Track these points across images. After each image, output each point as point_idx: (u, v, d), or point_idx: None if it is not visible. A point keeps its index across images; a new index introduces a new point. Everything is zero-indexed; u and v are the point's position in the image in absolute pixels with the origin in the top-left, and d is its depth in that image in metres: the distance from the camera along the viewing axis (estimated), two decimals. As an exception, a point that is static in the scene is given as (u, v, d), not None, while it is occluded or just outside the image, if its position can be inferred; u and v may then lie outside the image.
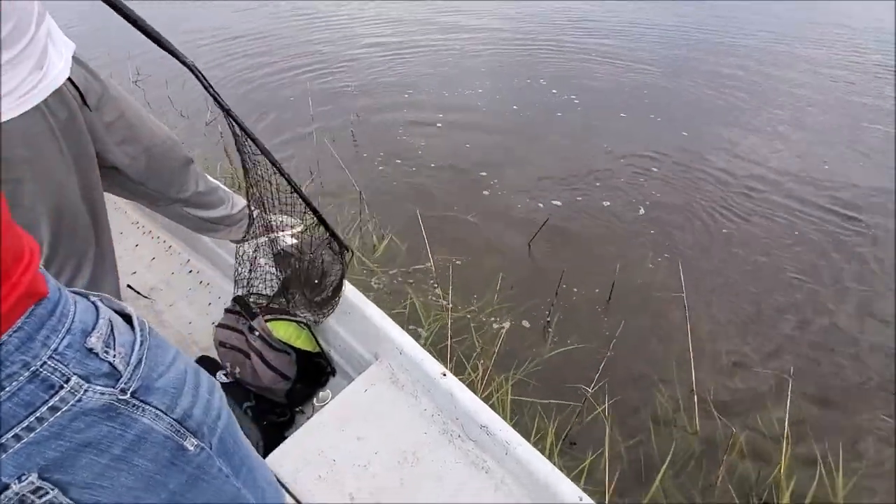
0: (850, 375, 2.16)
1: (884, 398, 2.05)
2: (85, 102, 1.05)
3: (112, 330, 0.51)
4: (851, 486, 1.72)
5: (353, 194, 3.05)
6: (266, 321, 1.51)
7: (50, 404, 0.45)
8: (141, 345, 0.54)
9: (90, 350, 0.48)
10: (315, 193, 3.08)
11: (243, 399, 1.45)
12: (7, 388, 0.43)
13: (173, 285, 2.08)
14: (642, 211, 3.14)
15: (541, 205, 3.13)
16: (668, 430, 1.85)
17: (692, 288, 2.52)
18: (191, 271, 2.13)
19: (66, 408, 0.46)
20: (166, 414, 0.54)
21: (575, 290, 2.47)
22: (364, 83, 4.80)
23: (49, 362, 0.45)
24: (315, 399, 1.52)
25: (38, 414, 0.44)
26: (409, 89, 4.69)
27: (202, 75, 0.99)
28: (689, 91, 4.98)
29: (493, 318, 2.25)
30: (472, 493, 1.14)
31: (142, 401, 0.51)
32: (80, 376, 0.47)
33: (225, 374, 1.51)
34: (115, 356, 0.50)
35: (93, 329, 0.49)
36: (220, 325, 1.56)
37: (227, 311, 1.58)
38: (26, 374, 0.44)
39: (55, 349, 0.45)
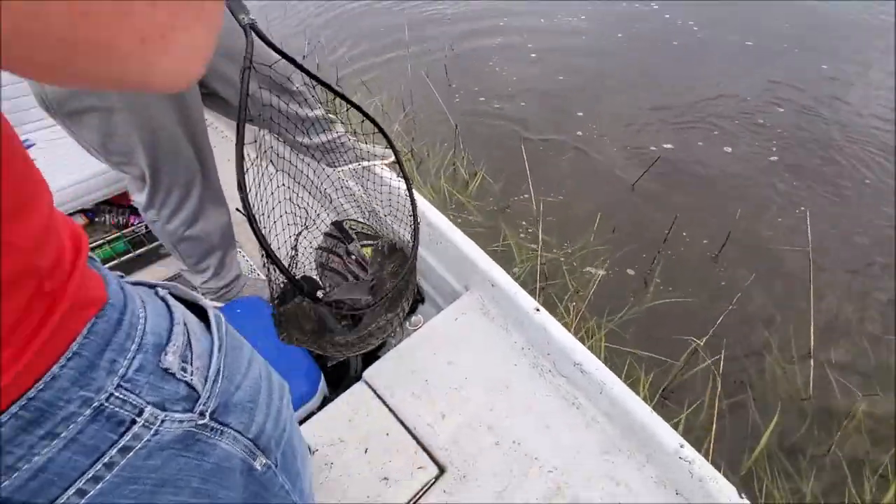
0: None
1: None
2: None
3: (189, 338, 0.42)
4: None
5: (446, 128, 2.98)
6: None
7: (120, 445, 0.35)
8: (219, 350, 0.46)
9: (166, 371, 0.38)
10: (409, 128, 3.07)
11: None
12: (63, 435, 0.32)
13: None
14: (772, 158, 2.75)
15: (653, 147, 2.85)
16: (777, 393, 1.69)
17: (819, 245, 2.20)
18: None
19: (139, 446, 0.36)
20: (243, 435, 0.46)
21: (684, 237, 2.27)
22: (459, 11, 4.56)
23: (116, 394, 0.35)
24: (407, 323, 1.57)
25: (106, 459, 0.35)
26: (505, 16, 4.39)
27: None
28: (841, 12, 4.14)
29: (589, 262, 2.15)
30: (562, 426, 1.13)
31: (221, 423, 0.43)
32: (154, 405, 0.37)
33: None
34: (193, 372, 0.41)
35: (168, 341, 0.40)
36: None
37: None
38: (87, 412, 0.33)
39: (124, 375, 0.35)
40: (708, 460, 0.99)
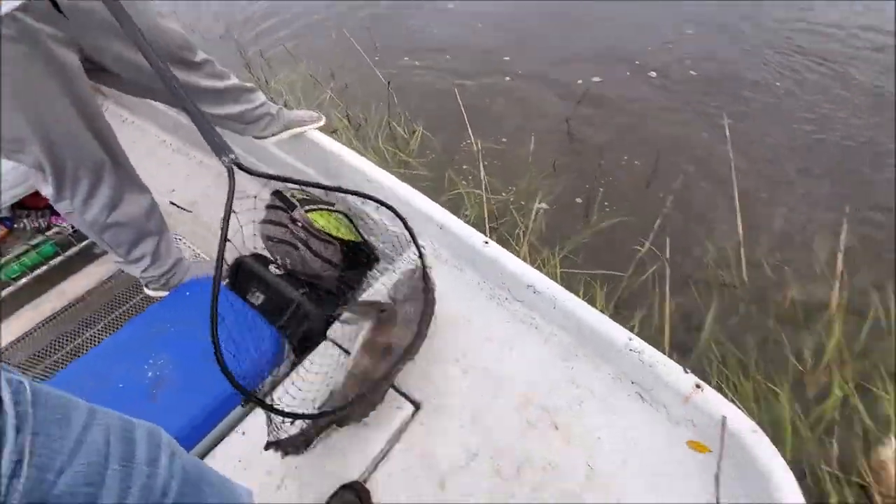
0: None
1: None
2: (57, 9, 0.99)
3: None
4: (907, 327, 1.70)
5: (379, 88, 2.92)
6: (306, 212, 1.54)
7: None
8: (18, 432, 0.34)
9: None
10: (341, 94, 2.98)
11: (298, 287, 1.52)
12: None
13: (212, 197, 2.13)
14: (692, 73, 2.88)
15: (579, 81, 2.91)
16: (718, 287, 1.85)
17: (742, 153, 2.36)
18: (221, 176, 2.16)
19: None
20: None
21: (621, 162, 2.38)
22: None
23: None
24: (365, 282, 1.58)
25: None
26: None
27: None
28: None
29: (535, 198, 2.22)
30: (523, 346, 1.20)
31: None
32: None
33: (276, 267, 1.58)
34: None
35: None
36: (263, 222, 1.60)
37: (268, 206, 1.61)
38: None
39: None
40: (666, 354, 1.07)
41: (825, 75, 2.83)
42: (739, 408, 0.99)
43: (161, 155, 2.30)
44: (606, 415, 1.08)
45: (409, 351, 1.10)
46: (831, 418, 1.54)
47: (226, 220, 0.91)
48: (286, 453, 0.99)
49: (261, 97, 1.55)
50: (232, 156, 1.02)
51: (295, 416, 0.99)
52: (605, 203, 2.20)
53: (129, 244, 1.34)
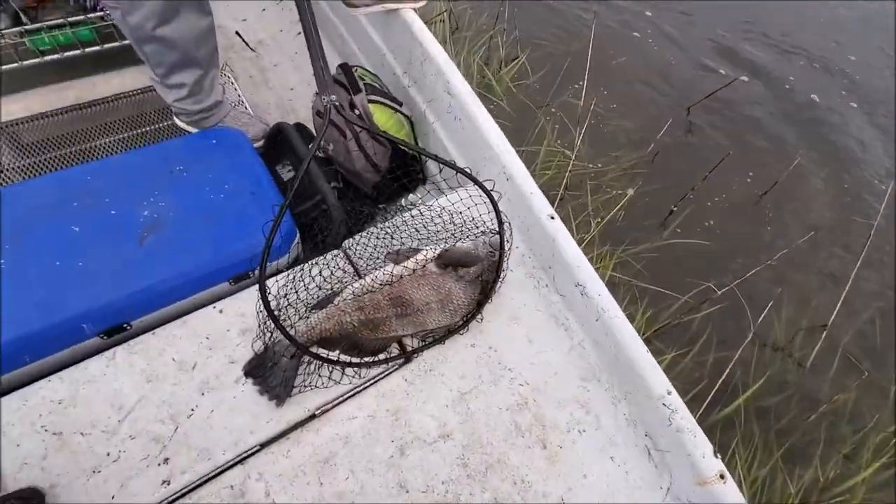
0: None
1: None
2: None
3: None
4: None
5: None
6: (369, 101, 1.34)
7: None
8: None
9: None
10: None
11: (332, 178, 1.37)
12: None
13: (280, 43, 1.93)
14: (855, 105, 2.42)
15: (722, 71, 2.47)
16: (773, 356, 1.63)
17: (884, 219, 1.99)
18: (299, 33, 1.93)
19: None
20: None
21: (727, 178, 2.03)
22: None
23: None
24: (403, 200, 1.41)
25: None
26: None
27: None
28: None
29: (617, 183, 1.94)
30: (545, 344, 1.04)
31: None
32: None
33: (318, 149, 1.41)
34: None
35: None
36: (319, 93, 1.41)
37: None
38: None
39: None
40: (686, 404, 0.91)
41: None
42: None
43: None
44: (604, 456, 0.95)
45: (432, 334, 1.00)
46: None
47: (308, 160, 0.89)
48: (264, 393, 0.90)
49: None
50: (333, 97, 1.07)
51: (325, 361, 0.91)
52: (689, 218, 1.91)
53: (169, 66, 1.16)
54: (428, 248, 1.03)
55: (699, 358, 1.55)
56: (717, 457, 0.87)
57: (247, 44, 1.91)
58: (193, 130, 1.33)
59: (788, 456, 1.47)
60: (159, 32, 1.08)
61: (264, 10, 2.02)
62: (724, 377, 1.49)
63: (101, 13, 1.34)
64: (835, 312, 1.68)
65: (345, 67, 1.39)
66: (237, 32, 1.92)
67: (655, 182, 1.99)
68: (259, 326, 0.93)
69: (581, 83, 2.16)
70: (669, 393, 0.92)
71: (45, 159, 1.31)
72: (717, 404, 1.50)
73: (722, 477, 0.86)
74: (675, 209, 1.92)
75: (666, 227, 1.89)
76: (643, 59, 2.44)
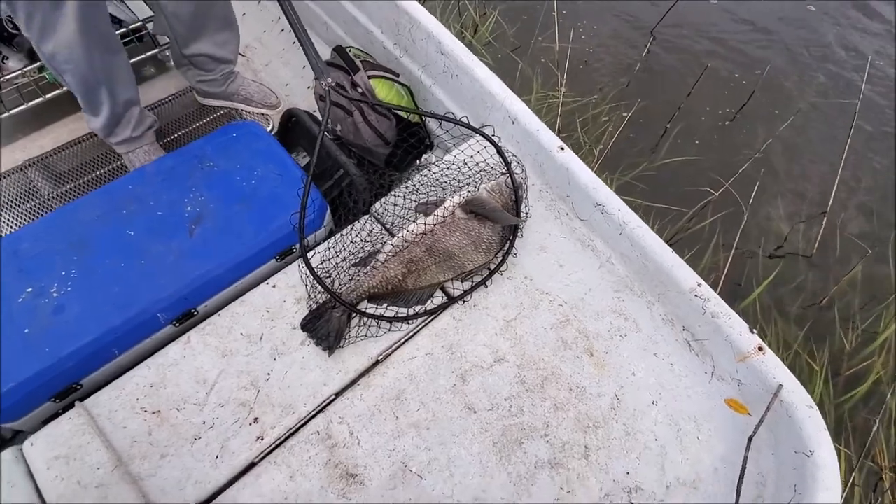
0: None
1: None
2: None
3: None
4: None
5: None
6: (368, 76, 1.39)
7: None
8: None
9: None
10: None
11: (347, 156, 1.43)
12: None
13: (267, 43, 1.98)
14: (810, 8, 2.43)
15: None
16: (780, 248, 1.71)
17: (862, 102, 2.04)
18: (283, 30, 1.99)
19: None
20: None
21: (704, 91, 2.08)
22: None
23: None
24: (418, 161, 1.48)
25: None
26: None
27: None
28: None
29: (607, 117, 2.00)
30: (575, 266, 1.11)
31: None
32: None
33: (326, 131, 1.48)
34: None
35: None
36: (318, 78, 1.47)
37: (327, 63, 1.46)
38: None
39: None
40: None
41: None
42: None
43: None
44: (647, 354, 1.02)
45: (473, 273, 1.07)
46: (858, 402, 1.49)
47: (320, 138, 1.00)
48: (318, 344, 0.98)
49: None
50: (329, 80, 1.14)
51: (363, 314, 1.00)
52: (680, 137, 1.97)
53: (84, 98, 1.22)
54: (452, 196, 1.10)
55: (713, 261, 1.63)
56: (753, 332, 0.94)
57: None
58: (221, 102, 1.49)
59: (809, 337, 1.56)
60: (67, 67, 1.12)
61: (244, 14, 2.06)
62: (734, 273, 1.58)
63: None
64: (831, 198, 1.74)
65: (339, 50, 1.44)
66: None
67: (641, 108, 2.04)
68: (306, 288, 1.01)
69: (554, 29, 2.20)
70: (699, 285, 0.98)
71: (81, 183, 1.39)
72: (736, 299, 1.59)
73: (761, 349, 0.93)
74: (668, 126, 1.97)
75: (659, 148, 1.95)
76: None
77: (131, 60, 1.56)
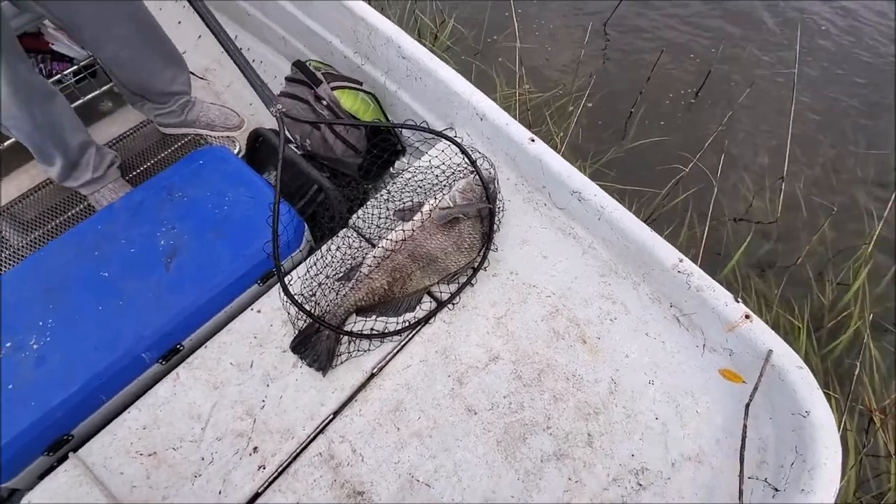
0: None
1: None
2: None
3: None
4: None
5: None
6: (332, 89, 1.38)
7: None
8: None
9: None
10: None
11: (319, 171, 1.41)
12: None
13: (226, 65, 1.94)
14: None
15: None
16: (750, 217, 1.76)
17: (804, 71, 2.11)
18: (241, 49, 1.96)
19: None
20: None
21: (664, 74, 2.12)
22: None
23: None
24: (391, 169, 1.47)
25: None
26: None
27: None
28: None
29: (570, 105, 2.01)
30: (559, 256, 1.12)
31: None
32: None
33: (296, 147, 1.46)
34: None
35: None
36: (282, 94, 1.45)
37: (289, 79, 1.44)
38: None
39: None
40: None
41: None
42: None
43: (171, 12, 2.06)
44: (638, 334, 1.03)
45: (458, 274, 1.07)
46: (842, 352, 1.54)
47: (279, 167, 1.00)
48: (310, 365, 0.97)
49: None
50: (279, 106, 1.13)
51: (349, 335, 0.99)
52: (646, 120, 2.00)
53: (34, 149, 1.22)
54: (428, 200, 1.10)
55: (689, 235, 1.66)
56: (738, 301, 0.96)
57: (193, 73, 1.93)
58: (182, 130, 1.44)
59: (790, 296, 1.61)
60: (9, 124, 1.13)
61: (200, 37, 2.02)
62: (712, 244, 1.62)
63: (58, 75, 1.37)
64: (786, 164, 1.80)
65: (299, 64, 1.42)
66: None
67: (605, 96, 2.07)
68: (289, 316, 1.00)
69: (510, 29, 2.23)
70: (681, 260, 0.99)
71: (49, 229, 1.35)
72: (717, 269, 1.63)
73: (748, 317, 0.94)
74: (632, 111, 2.00)
75: (627, 132, 1.98)
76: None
77: (87, 97, 1.53)
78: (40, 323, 0.95)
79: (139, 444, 0.91)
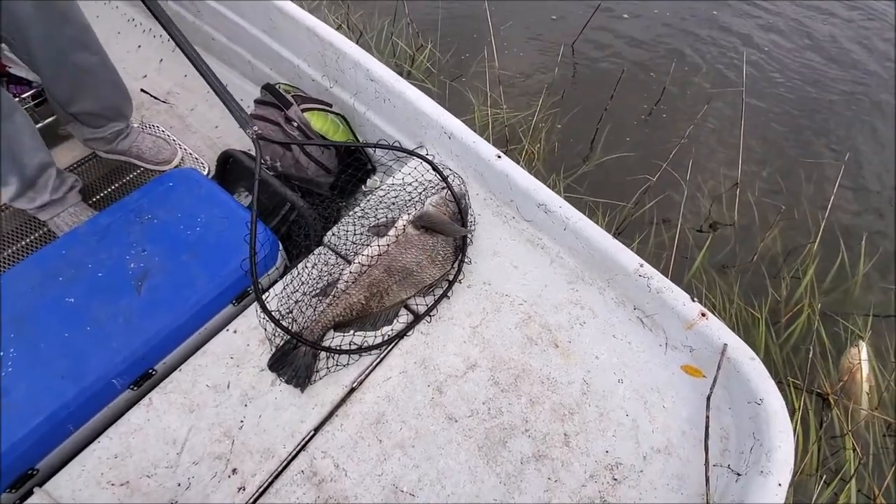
0: None
1: None
2: None
3: None
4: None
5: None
6: (302, 111, 1.40)
7: None
8: None
9: None
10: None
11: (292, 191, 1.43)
12: None
13: (190, 88, 1.94)
14: (714, 13, 2.72)
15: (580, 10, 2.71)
16: (709, 221, 1.90)
17: (752, 84, 2.32)
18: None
19: None
20: None
21: (628, 92, 2.29)
22: None
23: None
24: (363, 186, 1.50)
25: None
26: None
27: None
28: None
29: (541, 123, 2.13)
30: (529, 266, 1.17)
31: None
32: None
33: (267, 168, 1.47)
34: None
35: None
36: (252, 116, 1.46)
37: (259, 102, 1.46)
38: None
39: None
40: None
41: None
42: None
43: (131, 36, 2.04)
44: (606, 337, 1.08)
45: (433, 286, 1.10)
46: (798, 341, 1.67)
47: (255, 188, 1.01)
48: (288, 382, 0.97)
49: None
50: (255, 128, 1.15)
51: (326, 350, 0.99)
52: (611, 137, 2.14)
53: None
54: (402, 215, 1.13)
55: (657, 241, 1.77)
56: (694, 301, 1.03)
57: (156, 98, 1.91)
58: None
59: (749, 292, 1.74)
60: None
61: (162, 60, 2.01)
62: (680, 248, 1.74)
63: (19, 98, 1.34)
64: (739, 171, 1.98)
65: (268, 87, 1.44)
66: (143, 90, 1.92)
67: (574, 115, 2.21)
68: (265, 333, 1.00)
69: (485, 53, 2.34)
70: (642, 265, 1.07)
71: (5, 257, 1.30)
72: (685, 271, 1.75)
73: (703, 315, 1.02)
74: (598, 128, 2.13)
75: (594, 149, 2.11)
76: (529, 18, 2.66)
77: (46, 120, 1.49)
78: (0, 353, 0.91)
79: (110, 474, 0.88)
